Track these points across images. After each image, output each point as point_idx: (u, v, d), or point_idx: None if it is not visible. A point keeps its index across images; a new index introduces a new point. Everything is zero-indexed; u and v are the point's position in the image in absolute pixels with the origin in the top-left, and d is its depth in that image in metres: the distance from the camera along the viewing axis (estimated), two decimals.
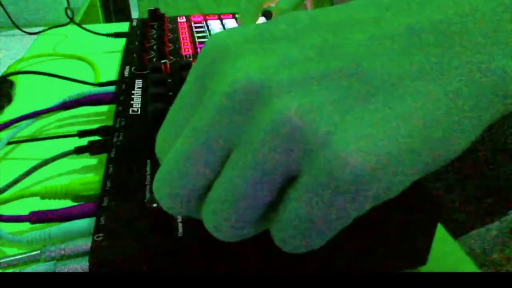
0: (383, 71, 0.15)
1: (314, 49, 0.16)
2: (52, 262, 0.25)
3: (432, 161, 0.15)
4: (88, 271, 0.23)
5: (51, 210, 0.27)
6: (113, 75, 0.51)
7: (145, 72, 0.42)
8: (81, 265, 0.24)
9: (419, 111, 0.15)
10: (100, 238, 0.22)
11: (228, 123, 0.15)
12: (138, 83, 0.40)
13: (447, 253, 0.26)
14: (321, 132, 0.14)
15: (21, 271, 0.25)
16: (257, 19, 0.47)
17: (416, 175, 0.15)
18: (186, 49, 0.47)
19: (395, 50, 0.15)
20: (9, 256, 0.26)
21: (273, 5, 0.50)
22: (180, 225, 0.23)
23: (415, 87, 0.15)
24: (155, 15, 0.56)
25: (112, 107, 0.39)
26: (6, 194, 0.30)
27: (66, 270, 0.24)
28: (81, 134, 0.36)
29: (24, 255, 0.26)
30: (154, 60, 0.44)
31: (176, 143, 0.16)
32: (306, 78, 0.15)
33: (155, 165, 0.28)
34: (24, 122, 0.39)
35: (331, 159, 0.14)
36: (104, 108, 0.43)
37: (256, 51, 0.16)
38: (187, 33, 0.52)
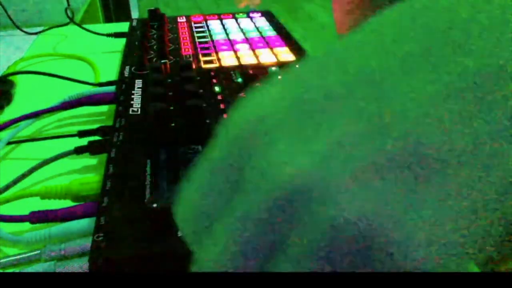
0: (448, 146, 0.13)
1: (362, 122, 0.13)
2: (52, 262, 0.25)
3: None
4: (88, 271, 0.23)
5: (51, 210, 0.27)
6: (113, 75, 0.51)
7: (145, 72, 0.42)
8: (81, 265, 0.24)
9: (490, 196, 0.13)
10: (100, 238, 0.22)
11: (273, 226, 0.14)
12: (138, 83, 0.40)
13: None
14: (391, 236, 0.12)
15: (21, 271, 0.25)
16: None
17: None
18: (186, 49, 0.47)
19: (461, 112, 0.13)
20: (9, 256, 0.26)
21: None
22: None
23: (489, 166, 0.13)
24: (155, 15, 0.56)
25: (112, 107, 0.39)
26: (6, 194, 0.30)
27: (66, 270, 0.24)
28: (81, 134, 0.36)
29: (24, 255, 0.26)
30: (154, 60, 0.44)
31: (216, 242, 0.15)
32: (363, 167, 0.13)
33: (155, 165, 0.28)
34: (24, 122, 0.39)
35: (407, 266, 0.12)
36: (104, 108, 0.43)
37: (295, 131, 0.14)
38: (187, 33, 0.52)
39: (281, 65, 0.43)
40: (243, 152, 0.14)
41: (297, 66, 0.16)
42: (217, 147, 0.15)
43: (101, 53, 0.58)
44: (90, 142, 0.33)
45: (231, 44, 0.49)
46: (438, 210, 0.13)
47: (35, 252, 0.26)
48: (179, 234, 0.23)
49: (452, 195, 0.13)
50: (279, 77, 0.16)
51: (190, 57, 0.46)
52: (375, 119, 0.13)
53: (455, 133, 0.13)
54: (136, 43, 0.48)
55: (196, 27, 0.55)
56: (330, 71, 0.14)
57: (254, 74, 0.41)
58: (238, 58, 0.45)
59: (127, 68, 0.43)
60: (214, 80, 0.40)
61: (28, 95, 0.48)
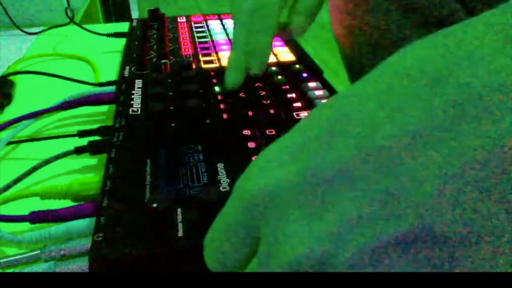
0: (465, 225, 0.12)
1: (374, 200, 0.13)
2: (52, 262, 0.25)
3: None
4: (88, 271, 0.23)
5: (51, 210, 0.27)
6: (113, 75, 0.51)
7: (145, 72, 0.42)
8: (81, 265, 0.24)
9: None
10: (100, 238, 0.22)
11: None
12: (138, 83, 0.40)
13: None
14: None
15: (21, 271, 0.25)
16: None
17: None
18: (186, 49, 0.47)
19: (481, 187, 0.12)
20: (9, 256, 0.26)
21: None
22: (180, 225, 0.23)
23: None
24: (155, 15, 0.56)
25: (112, 107, 0.39)
26: (6, 194, 0.30)
27: (66, 270, 0.24)
28: (81, 134, 0.36)
29: (24, 255, 0.26)
30: (154, 60, 0.44)
31: None
32: (376, 248, 0.13)
33: (155, 165, 0.28)
34: (24, 122, 0.39)
35: None
36: (104, 108, 0.43)
37: (310, 206, 0.14)
38: (187, 33, 0.52)
39: (281, 65, 0.43)
40: (259, 216, 0.15)
41: (305, 123, 0.15)
42: (236, 205, 0.16)
43: (101, 53, 0.58)
44: (90, 142, 0.33)
45: (231, 44, 0.49)
46: None
47: (35, 252, 0.26)
48: (179, 234, 0.23)
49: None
50: (291, 136, 0.16)
51: (190, 57, 0.46)
52: (385, 200, 0.13)
53: (471, 214, 0.12)
54: (136, 43, 0.48)
55: (196, 27, 0.55)
56: (337, 144, 0.14)
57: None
58: None
59: (127, 68, 0.43)
60: (214, 80, 0.40)
61: (28, 95, 0.48)
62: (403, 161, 0.13)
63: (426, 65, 0.13)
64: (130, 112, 0.35)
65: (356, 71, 0.52)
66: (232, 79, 0.35)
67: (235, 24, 0.34)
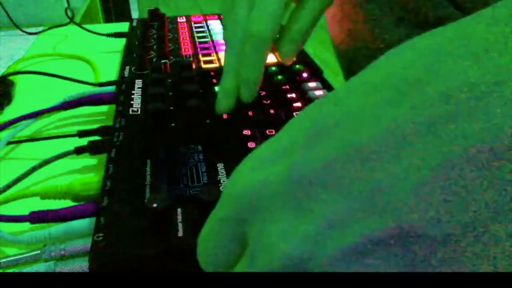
0: (446, 224, 0.12)
1: (355, 200, 0.13)
2: (52, 262, 0.25)
3: None
4: (88, 271, 0.23)
5: (51, 210, 0.27)
6: (113, 75, 0.51)
7: (145, 72, 0.42)
8: (81, 265, 0.24)
9: None
10: (100, 238, 0.22)
11: None
12: (138, 83, 0.40)
13: None
14: None
15: (21, 271, 0.25)
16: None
17: None
18: (186, 49, 0.47)
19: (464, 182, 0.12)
20: (9, 256, 0.26)
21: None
22: (180, 225, 0.23)
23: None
24: (155, 15, 0.56)
25: (112, 107, 0.39)
26: (6, 194, 0.30)
27: (66, 270, 0.24)
28: (81, 134, 0.36)
29: (24, 255, 0.26)
30: (154, 60, 0.44)
31: None
32: (357, 246, 0.13)
33: (155, 165, 0.28)
34: (24, 122, 0.39)
35: None
36: (104, 108, 0.43)
37: (293, 207, 0.14)
38: (187, 33, 0.52)
39: (281, 65, 0.43)
40: (246, 216, 0.15)
41: (292, 124, 0.16)
42: (225, 205, 0.16)
43: (101, 53, 0.58)
44: (90, 142, 0.33)
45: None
46: None
47: (35, 252, 0.26)
48: (179, 234, 0.23)
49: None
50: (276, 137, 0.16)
51: (190, 57, 0.46)
52: (366, 199, 0.13)
53: (452, 212, 0.12)
54: (136, 43, 0.48)
55: (196, 27, 0.55)
56: (321, 145, 0.14)
57: None
58: None
59: (127, 68, 0.43)
60: (214, 80, 0.40)
61: (28, 95, 0.48)
62: (384, 161, 0.13)
63: (413, 65, 0.13)
64: (130, 112, 0.35)
65: (353, 72, 0.52)
66: (223, 106, 0.34)
67: (226, 50, 0.34)
